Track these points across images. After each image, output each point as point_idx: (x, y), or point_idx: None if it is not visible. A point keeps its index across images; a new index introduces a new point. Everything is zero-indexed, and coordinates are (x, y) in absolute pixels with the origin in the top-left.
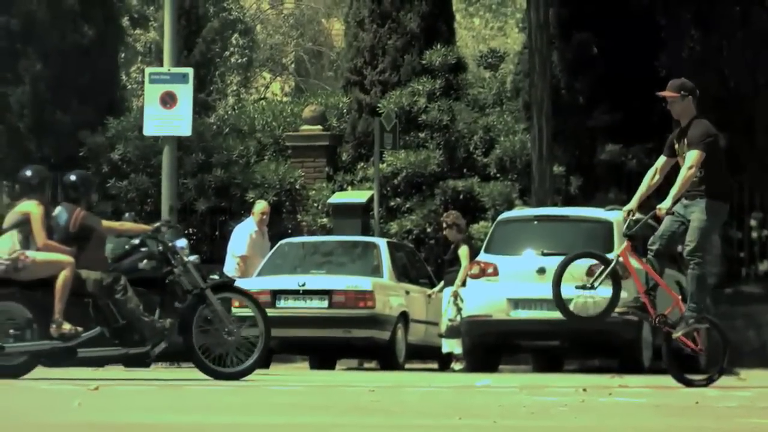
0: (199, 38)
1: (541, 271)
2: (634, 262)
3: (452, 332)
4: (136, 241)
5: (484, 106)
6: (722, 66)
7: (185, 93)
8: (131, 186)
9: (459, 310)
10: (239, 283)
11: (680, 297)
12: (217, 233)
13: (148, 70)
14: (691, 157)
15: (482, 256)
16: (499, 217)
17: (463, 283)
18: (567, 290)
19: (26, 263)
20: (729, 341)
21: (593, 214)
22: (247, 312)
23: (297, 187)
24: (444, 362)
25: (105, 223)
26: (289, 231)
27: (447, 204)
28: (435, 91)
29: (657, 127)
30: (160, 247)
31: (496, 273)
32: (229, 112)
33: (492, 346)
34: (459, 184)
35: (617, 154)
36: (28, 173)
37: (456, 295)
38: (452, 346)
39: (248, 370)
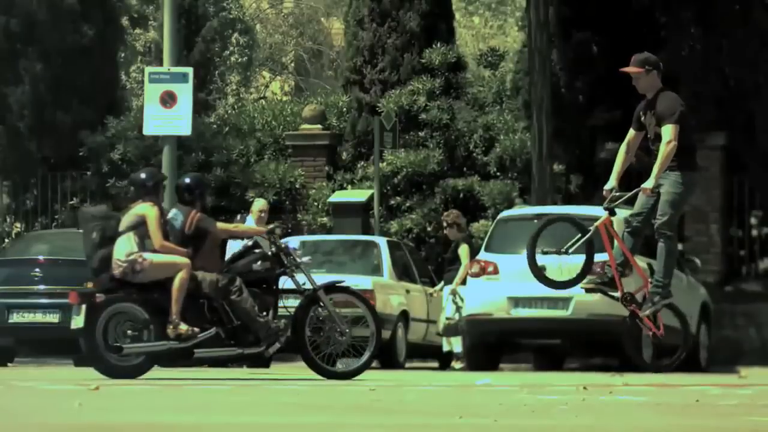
0: (199, 38)
1: (542, 269)
2: (610, 236)
3: (450, 331)
4: (250, 243)
5: (484, 105)
6: (723, 64)
7: (185, 92)
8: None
9: (458, 308)
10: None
11: (650, 281)
12: None
13: (147, 69)
14: (668, 131)
15: (482, 255)
16: (499, 216)
17: (463, 282)
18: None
19: (143, 265)
20: (687, 320)
21: (593, 212)
22: (358, 312)
23: (297, 186)
24: (444, 361)
25: (219, 224)
26: (289, 230)
27: (447, 203)
28: (435, 89)
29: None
30: (273, 249)
31: (496, 271)
32: (229, 112)
33: (492, 344)
34: (459, 182)
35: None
36: (143, 175)
37: (455, 293)
38: (452, 344)
39: (360, 370)
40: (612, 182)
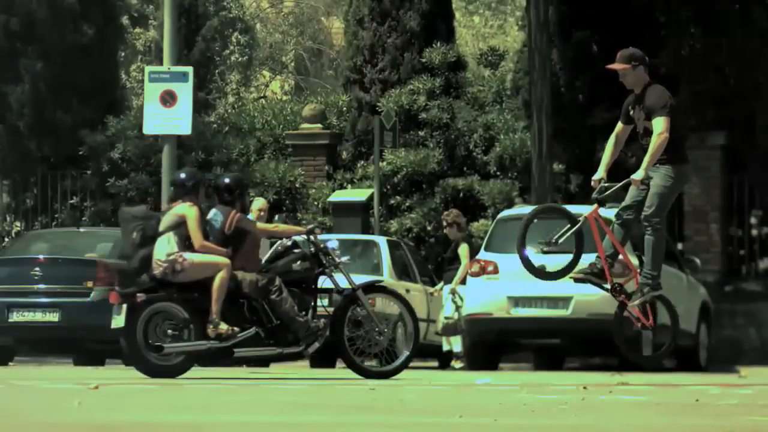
0: (199, 37)
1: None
2: (599, 227)
3: (449, 330)
4: (289, 243)
5: (484, 105)
6: (722, 64)
7: (185, 92)
8: (131, 185)
9: (457, 308)
10: None
11: (639, 271)
12: None
13: (147, 68)
14: (660, 123)
15: (482, 255)
16: (499, 215)
17: (463, 281)
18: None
19: (184, 265)
20: (677, 314)
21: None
22: (395, 311)
23: (297, 185)
24: (444, 360)
25: (259, 224)
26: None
27: (447, 202)
28: (435, 89)
29: None
30: (312, 248)
31: (496, 271)
32: (229, 111)
33: (492, 344)
34: (459, 182)
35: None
36: (183, 176)
37: (454, 293)
38: (451, 343)
39: (399, 369)
40: (600, 173)
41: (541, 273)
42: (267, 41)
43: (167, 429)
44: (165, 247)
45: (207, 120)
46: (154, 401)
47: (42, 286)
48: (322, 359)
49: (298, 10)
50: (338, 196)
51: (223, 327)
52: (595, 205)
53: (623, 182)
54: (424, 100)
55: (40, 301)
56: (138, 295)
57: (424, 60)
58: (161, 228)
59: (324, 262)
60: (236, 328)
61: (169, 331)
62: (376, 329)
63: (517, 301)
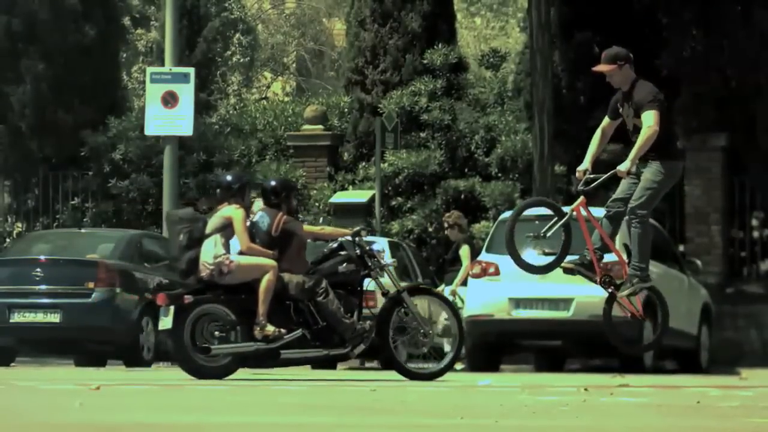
0: (201, 38)
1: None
2: (586, 219)
3: (448, 331)
4: (335, 245)
5: (486, 106)
6: (724, 65)
7: (186, 92)
8: (132, 186)
9: (458, 309)
10: None
11: (627, 261)
12: None
13: (149, 69)
14: (650, 117)
15: (483, 256)
16: (501, 217)
17: (464, 283)
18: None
19: (231, 267)
20: (666, 303)
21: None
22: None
23: (298, 186)
24: None
25: (305, 227)
26: None
27: (448, 204)
28: (436, 90)
29: None
30: (358, 251)
31: (497, 272)
32: (231, 112)
33: (493, 345)
34: (460, 183)
35: (618, 153)
36: (229, 178)
37: (454, 294)
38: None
39: (443, 371)
40: (585, 164)
41: (529, 266)
42: (268, 42)
43: (168, 430)
44: (212, 249)
45: (208, 121)
46: (155, 402)
47: (43, 286)
48: (324, 361)
49: (299, 11)
50: (339, 197)
51: (270, 329)
52: (581, 198)
53: (609, 174)
54: (425, 102)
55: (42, 301)
56: (185, 296)
57: (425, 61)
58: (208, 230)
59: (369, 264)
60: (283, 330)
61: (216, 333)
62: (421, 331)
63: (518, 303)
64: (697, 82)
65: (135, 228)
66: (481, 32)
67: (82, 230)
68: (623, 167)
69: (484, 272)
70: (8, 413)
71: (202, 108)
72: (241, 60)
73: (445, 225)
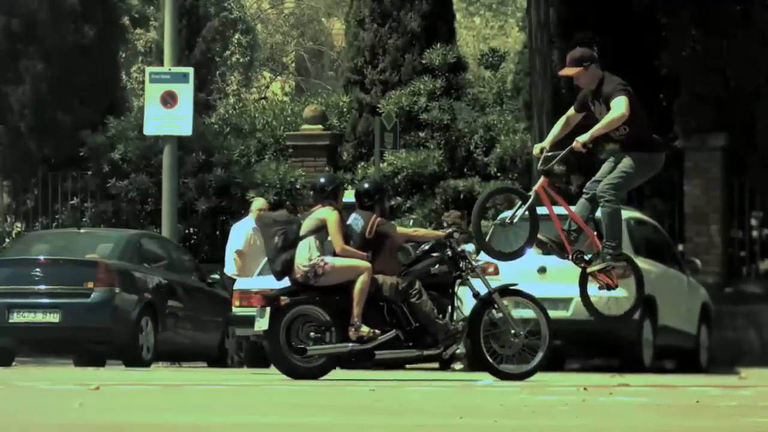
0: (200, 38)
1: (542, 270)
2: (550, 198)
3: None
4: (427, 247)
5: (485, 106)
6: (723, 66)
7: (186, 92)
8: (132, 186)
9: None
10: (239, 281)
11: (596, 233)
12: (217, 233)
13: (148, 69)
14: (620, 102)
15: (483, 256)
16: (500, 216)
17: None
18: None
19: (325, 269)
20: (642, 274)
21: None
22: (530, 314)
23: (297, 186)
24: (445, 361)
25: (399, 228)
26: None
27: (447, 203)
28: (435, 90)
29: (657, 126)
30: (450, 252)
31: (497, 272)
32: (230, 112)
33: None
34: (459, 183)
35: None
36: (323, 180)
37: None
38: None
39: (532, 371)
40: (544, 143)
41: (498, 254)
42: (268, 42)
43: (168, 430)
44: (306, 252)
45: (208, 121)
46: (154, 402)
47: (42, 286)
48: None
49: (298, 11)
50: None
51: (365, 329)
52: (543, 178)
53: (566, 150)
54: (424, 101)
55: (41, 301)
56: (282, 298)
57: (424, 61)
58: (302, 232)
59: (461, 265)
60: (377, 331)
61: (312, 334)
62: (512, 332)
63: (517, 303)
64: (697, 82)
65: (134, 228)
66: (480, 32)
67: (82, 230)
68: (581, 139)
69: (483, 272)
70: (7, 413)
71: (202, 108)
72: (241, 60)
73: (444, 225)
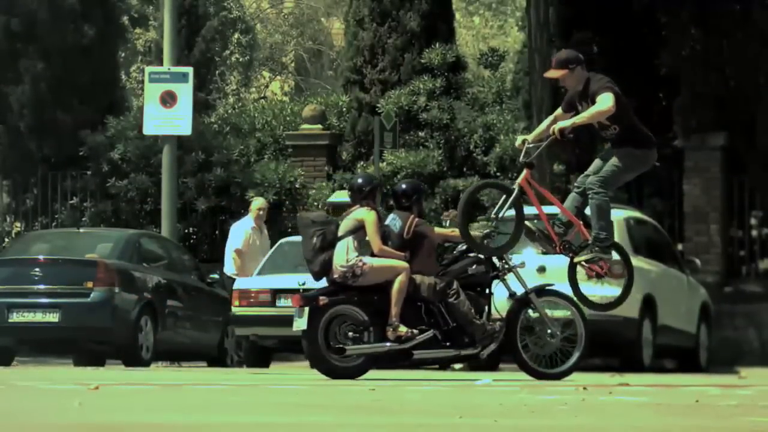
0: (199, 37)
1: (541, 269)
2: (534, 189)
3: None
4: (464, 247)
5: (484, 105)
6: (723, 65)
7: (185, 92)
8: (131, 185)
9: None
10: (238, 280)
11: (582, 223)
12: (217, 232)
13: (148, 69)
14: (607, 97)
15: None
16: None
17: None
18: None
19: (363, 269)
20: (629, 259)
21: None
22: (565, 314)
23: (297, 186)
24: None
25: (436, 229)
26: (289, 230)
27: (447, 203)
28: (435, 90)
29: (657, 126)
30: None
31: None
32: (229, 112)
33: None
34: (459, 183)
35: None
36: (360, 181)
37: None
38: None
39: (569, 371)
40: (529, 135)
41: (486, 249)
42: (267, 42)
43: (168, 430)
44: (344, 252)
45: (207, 120)
46: (154, 402)
47: (42, 286)
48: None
49: (298, 10)
50: (338, 196)
51: (403, 329)
52: (525, 170)
53: (548, 140)
54: (424, 101)
55: (40, 301)
56: (320, 298)
57: (424, 60)
58: (340, 233)
59: (498, 266)
60: (415, 331)
61: (350, 334)
62: (549, 332)
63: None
64: (697, 81)
65: (134, 227)
66: (479, 31)
67: (81, 230)
68: (560, 124)
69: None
70: (7, 413)
71: (201, 107)
72: (240, 59)
73: (444, 224)
